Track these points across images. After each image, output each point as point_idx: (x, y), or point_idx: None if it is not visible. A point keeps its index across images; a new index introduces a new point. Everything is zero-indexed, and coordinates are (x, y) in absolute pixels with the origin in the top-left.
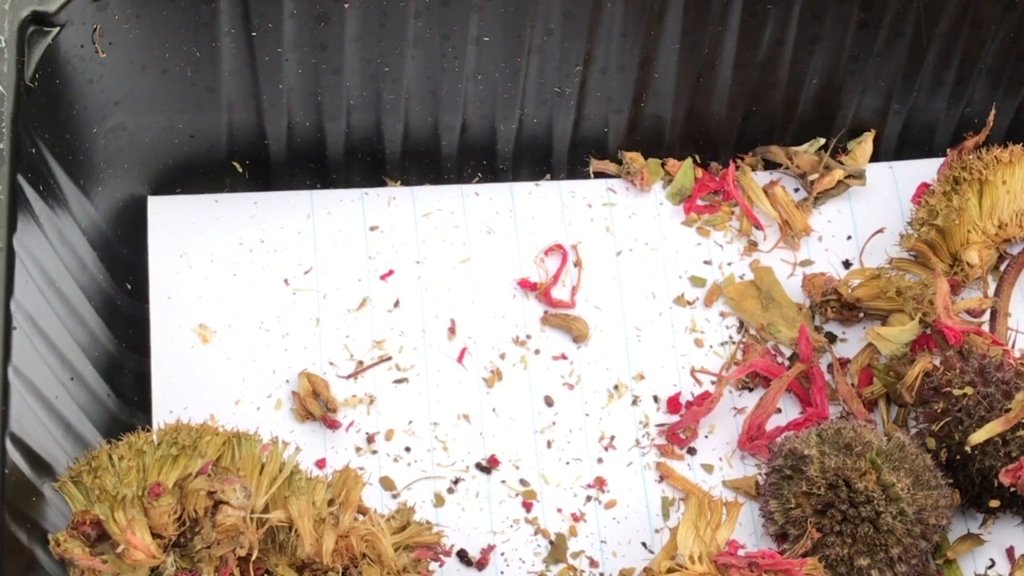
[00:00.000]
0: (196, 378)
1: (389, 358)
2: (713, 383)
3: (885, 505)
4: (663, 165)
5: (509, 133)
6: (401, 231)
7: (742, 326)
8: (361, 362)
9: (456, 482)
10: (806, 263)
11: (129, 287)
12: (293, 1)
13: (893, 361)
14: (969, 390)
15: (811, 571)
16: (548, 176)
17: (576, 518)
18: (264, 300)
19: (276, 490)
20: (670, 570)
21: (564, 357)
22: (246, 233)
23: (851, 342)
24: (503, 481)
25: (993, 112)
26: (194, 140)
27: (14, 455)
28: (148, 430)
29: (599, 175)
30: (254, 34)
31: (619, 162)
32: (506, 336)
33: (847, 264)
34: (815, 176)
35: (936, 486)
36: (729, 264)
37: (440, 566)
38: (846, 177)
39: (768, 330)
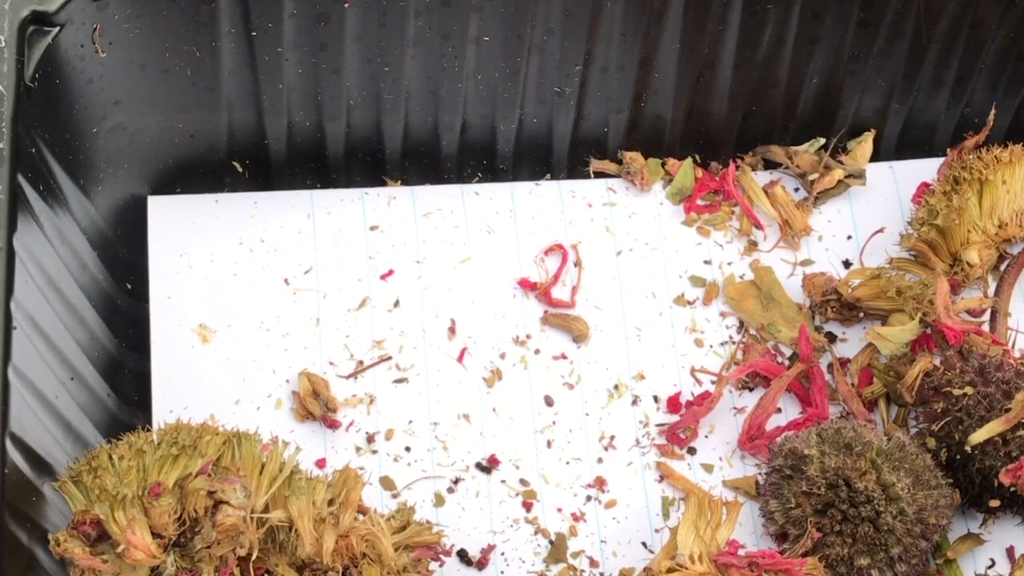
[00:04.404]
0: (196, 378)
1: (389, 358)
2: (713, 383)
3: (885, 505)
4: (663, 165)
5: (509, 133)
6: (401, 231)
7: (742, 326)
8: (361, 362)
9: (456, 482)
10: (806, 263)
11: (129, 287)
12: (293, 1)
13: (893, 361)
14: (969, 390)
15: (811, 571)
16: (548, 176)
17: (576, 518)
18: (264, 300)
19: (276, 490)
20: (670, 570)
21: (564, 357)
22: (246, 233)
23: (851, 342)
24: (503, 481)
25: (993, 112)
26: (194, 140)
27: (14, 455)
28: (148, 430)
29: (599, 175)
30: (254, 34)
31: (619, 162)
32: (506, 336)
33: (847, 264)
34: (815, 176)
35: (936, 486)
36: (729, 264)
37: (440, 566)
38: (846, 177)
39: (768, 330)
